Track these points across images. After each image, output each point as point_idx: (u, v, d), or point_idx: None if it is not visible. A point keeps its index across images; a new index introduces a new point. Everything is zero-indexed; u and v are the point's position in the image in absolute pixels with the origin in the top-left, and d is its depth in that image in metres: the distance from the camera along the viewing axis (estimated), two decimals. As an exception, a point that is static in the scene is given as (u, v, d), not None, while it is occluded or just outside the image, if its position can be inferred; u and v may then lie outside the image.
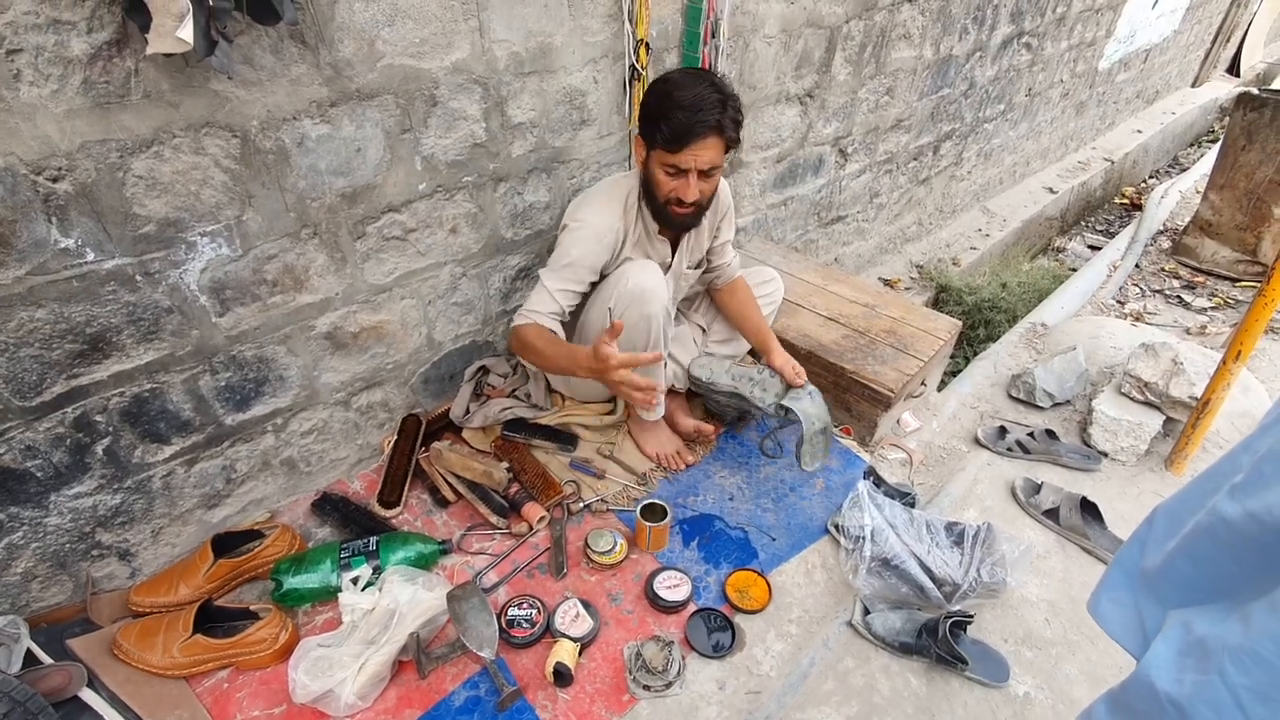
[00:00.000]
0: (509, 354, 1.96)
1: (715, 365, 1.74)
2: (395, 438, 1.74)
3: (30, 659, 1.24)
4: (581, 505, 1.68)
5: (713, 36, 1.80)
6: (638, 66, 1.71)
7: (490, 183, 1.62)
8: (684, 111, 1.35)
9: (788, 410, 1.65)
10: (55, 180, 1.06)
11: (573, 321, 1.67)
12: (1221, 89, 6.24)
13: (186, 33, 0.97)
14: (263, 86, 1.19)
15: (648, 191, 1.51)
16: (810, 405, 1.66)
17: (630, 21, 1.65)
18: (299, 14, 1.16)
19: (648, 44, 1.70)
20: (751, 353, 1.96)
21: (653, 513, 1.57)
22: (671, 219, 1.52)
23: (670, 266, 1.68)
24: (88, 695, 1.22)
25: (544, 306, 1.53)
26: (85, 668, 1.25)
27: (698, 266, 1.76)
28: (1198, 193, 3.81)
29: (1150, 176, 5.48)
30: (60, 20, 0.98)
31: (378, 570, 1.44)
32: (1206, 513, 0.68)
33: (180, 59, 1.08)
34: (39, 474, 1.23)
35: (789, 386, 1.70)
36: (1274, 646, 0.60)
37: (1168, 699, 0.66)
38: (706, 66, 1.84)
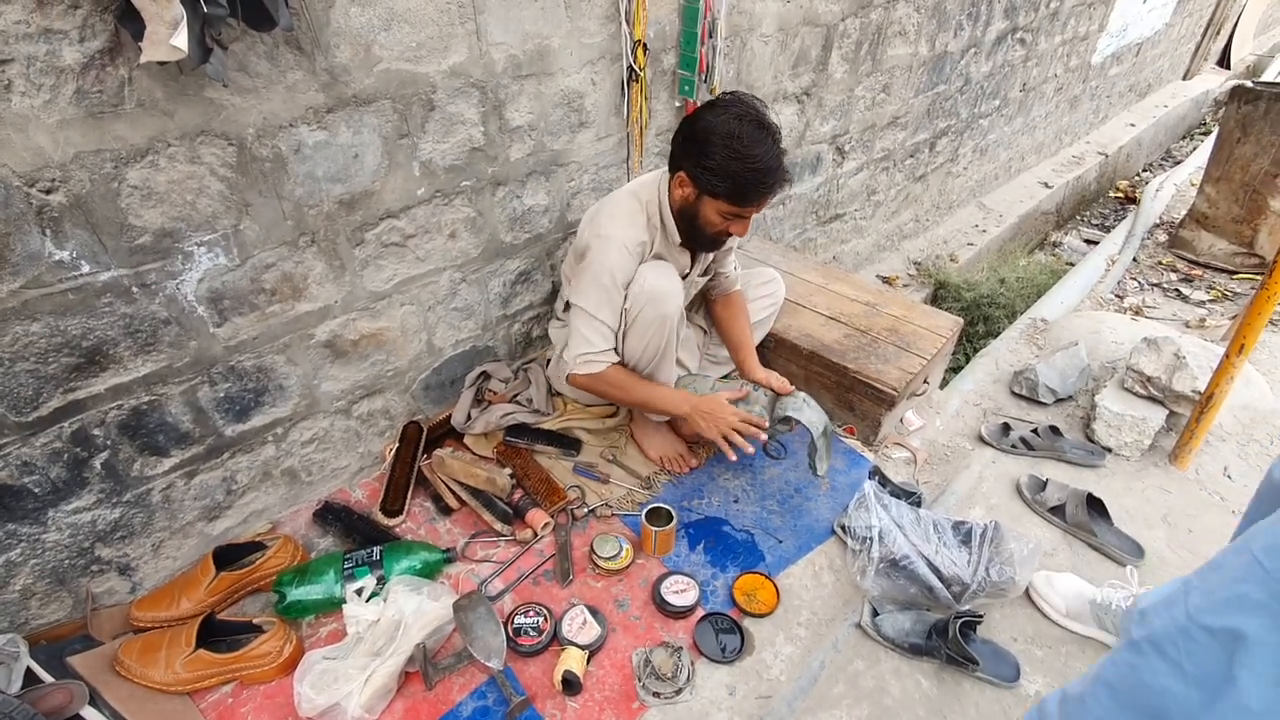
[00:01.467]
0: (510, 359, 1.95)
1: (700, 384, 1.69)
2: (397, 445, 1.73)
3: (30, 678, 1.22)
4: (586, 510, 1.67)
5: (710, 36, 1.79)
6: (635, 67, 1.70)
7: (489, 187, 1.61)
8: (758, 175, 1.36)
9: (790, 420, 1.62)
10: (49, 192, 1.04)
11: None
12: (1213, 81, 6.27)
13: (180, 40, 0.95)
14: (258, 94, 1.18)
15: (690, 224, 1.51)
16: (810, 412, 1.64)
17: (627, 22, 1.63)
18: (294, 20, 1.14)
19: (645, 45, 1.69)
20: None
21: (658, 517, 1.56)
22: (713, 246, 1.59)
23: (688, 274, 1.67)
24: (90, 714, 1.20)
25: (606, 341, 1.53)
26: (87, 685, 1.23)
27: (705, 273, 1.75)
28: (1193, 185, 3.82)
29: (1144, 169, 5.50)
30: (52, 29, 0.96)
31: (382, 580, 1.43)
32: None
33: (174, 67, 1.06)
34: (36, 490, 1.21)
35: (777, 397, 1.66)
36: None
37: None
38: (704, 67, 1.83)
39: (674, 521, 1.55)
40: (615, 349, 1.57)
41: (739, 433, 1.55)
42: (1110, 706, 0.76)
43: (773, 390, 1.66)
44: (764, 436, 1.57)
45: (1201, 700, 0.69)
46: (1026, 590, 1.57)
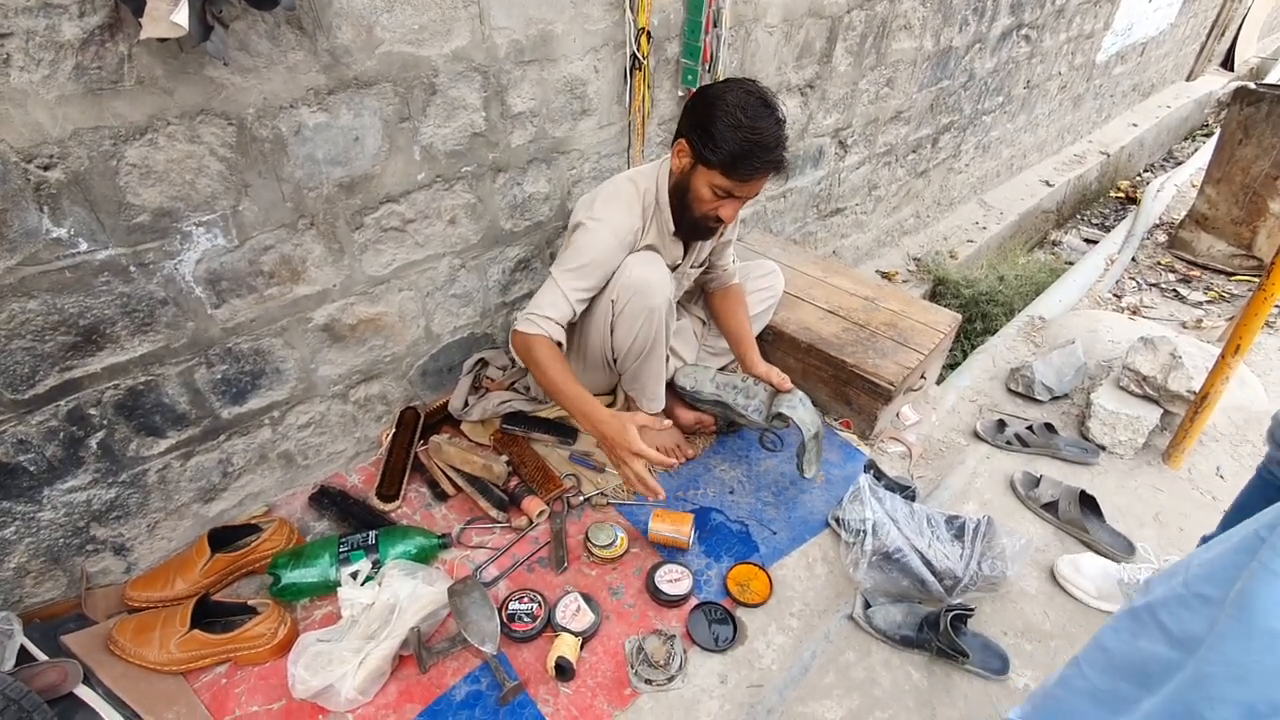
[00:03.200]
0: (508, 347, 1.95)
1: (700, 374, 1.68)
2: (393, 431, 1.73)
3: (24, 656, 1.23)
4: (581, 499, 1.67)
5: (715, 25, 1.78)
6: (639, 55, 1.69)
7: (489, 173, 1.60)
8: (755, 146, 1.34)
9: (785, 417, 1.61)
10: (47, 168, 1.03)
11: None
12: (1216, 83, 6.26)
13: (181, 17, 0.94)
14: (259, 73, 1.17)
15: (681, 200, 1.48)
16: (805, 411, 1.62)
17: (631, 10, 1.62)
18: (296, -1, 1.13)
19: (649, 32, 1.68)
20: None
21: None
22: (703, 231, 1.55)
23: (679, 266, 1.66)
24: (84, 692, 1.21)
25: (556, 311, 1.45)
26: (81, 664, 1.23)
27: (700, 265, 1.75)
28: (1193, 186, 3.82)
29: (1145, 170, 5.50)
30: (51, 3, 0.95)
31: (377, 564, 1.43)
32: None
33: (174, 44, 1.05)
34: (32, 468, 1.21)
35: (775, 393, 1.65)
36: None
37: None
38: (708, 57, 1.82)
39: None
40: (564, 325, 1.47)
41: (641, 478, 1.42)
42: (1103, 667, 0.79)
43: (772, 386, 1.65)
44: (655, 495, 1.44)
45: (1180, 661, 0.71)
46: (1052, 577, 1.59)
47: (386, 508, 1.61)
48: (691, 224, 1.52)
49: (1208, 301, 3.00)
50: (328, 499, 1.62)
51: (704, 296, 1.91)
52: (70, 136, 1.03)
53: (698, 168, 1.41)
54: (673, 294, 1.57)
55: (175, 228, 1.19)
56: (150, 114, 1.09)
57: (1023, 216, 4.02)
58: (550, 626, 1.39)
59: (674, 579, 1.49)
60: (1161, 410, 1.96)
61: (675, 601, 1.46)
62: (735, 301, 1.80)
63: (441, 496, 1.66)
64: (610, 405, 1.89)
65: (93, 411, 1.24)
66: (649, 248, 1.55)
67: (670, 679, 1.33)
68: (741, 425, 1.87)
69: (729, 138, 1.33)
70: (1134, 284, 3.14)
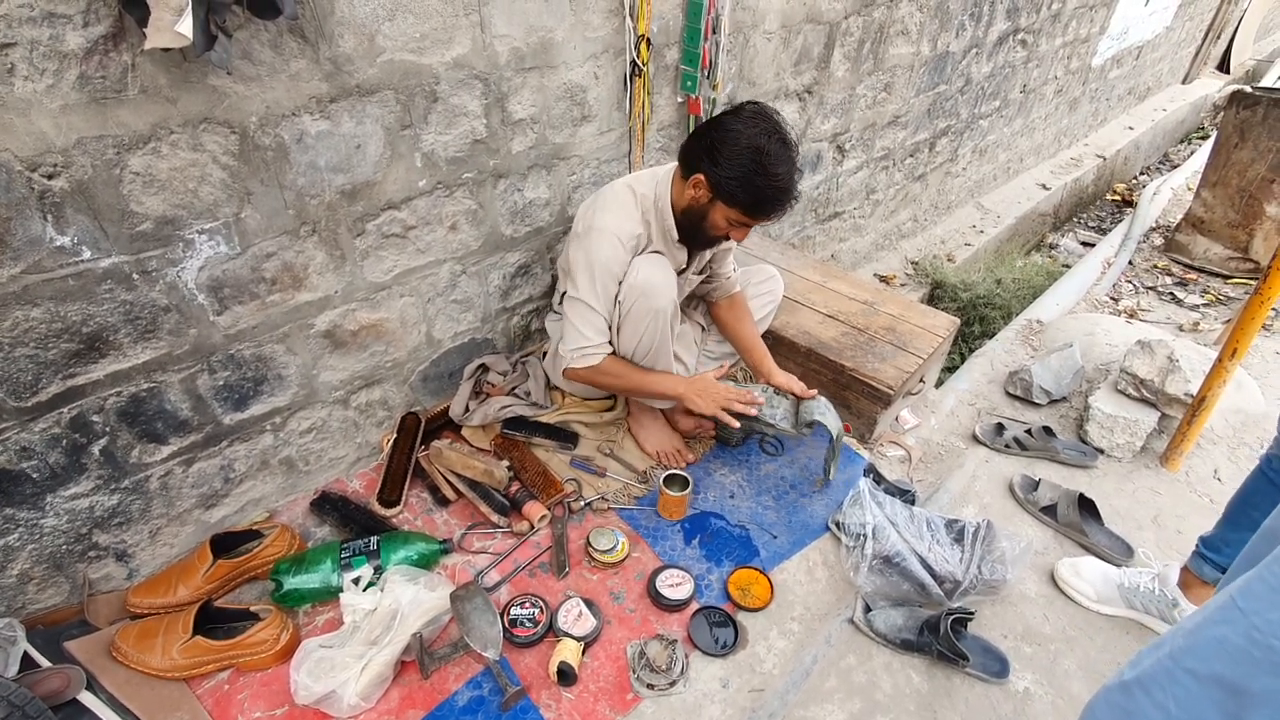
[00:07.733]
0: (508, 352, 1.95)
1: None
2: (394, 436, 1.73)
3: (27, 662, 1.23)
4: (582, 503, 1.68)
5: (713, 32, 1.79)
6: (639, 62, 1.70)
7: (490, 179, 1.61)
8: (778, 192, 1.40)
9: (812, 425, 1.62)
10: (51, 177, 1.04)
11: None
12: (1212, 86, 6.29)
13: (185, 27, 0.95)
14: (261, 82, 1.18)
15: (695, 224, 1.51)
16: (832, 417, 1.64)
17: (631, 17, 1.64)
18: (299, 8, 1.14)
19: (649, 39, 1.69)
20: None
21: (674, 482, 1.63)
22: (709, 246, 1.62)
23: (684, 271, 1.67)
24: (87, 698, 1.21)
25: (599, 333, 1.54)
26: (84, 670, 1.24)
27: (701, 272, 1.76)
28: (1189, 190, 3.84)
29: (1141, 173, 5.52)
30: (55, 13, 0.96)
31: (379, 570, 1.43)
32: None
33: (178, 54, 1.06)
34: (35, 475, 1.21)
35: (798, 400, 1.66)
36: None
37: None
38: (707, 63, 1.83)
39: (689, 488, 1.61)
40: (609, 340, 1.57)
41: (735, 401, 1.58)
42: None
43: (794, 394, 1.66)
44: (754, 412, 1.59)
45: None
46: (1052, 580, 1.61)
47: (388, 513, 1.61)
48: (701, 243, 1.57)
49: (1204, 305, 3.01)
50: (329, 505, 1.62)
51: (707, 307, 1.92)
52: (74, 145, 1.04)
53: (716, 203, 1.44)
54: (677, 297, 1.58)
55: (178, 235, 1.20)
56: (154, 123, 1.09)
57: (1019, 220, 4.04)
58: (552, 631, 1.39)
59: (675, 584, 1.49)
60: (1159, 413, 1.97)
61: (676, 606, 1.46)
62: (741, 311, 1.81)
63: (443, 502, 1.66)
64: (611, 409, 1.90)
65: (95, 418, 1.25)
66: (654, 253, 1.56)
67: (672, 683, 1.33)
68: (767, 434, 1.88)
69: (752, 183, 1.37)
70: (1131, 287, 3.15)
